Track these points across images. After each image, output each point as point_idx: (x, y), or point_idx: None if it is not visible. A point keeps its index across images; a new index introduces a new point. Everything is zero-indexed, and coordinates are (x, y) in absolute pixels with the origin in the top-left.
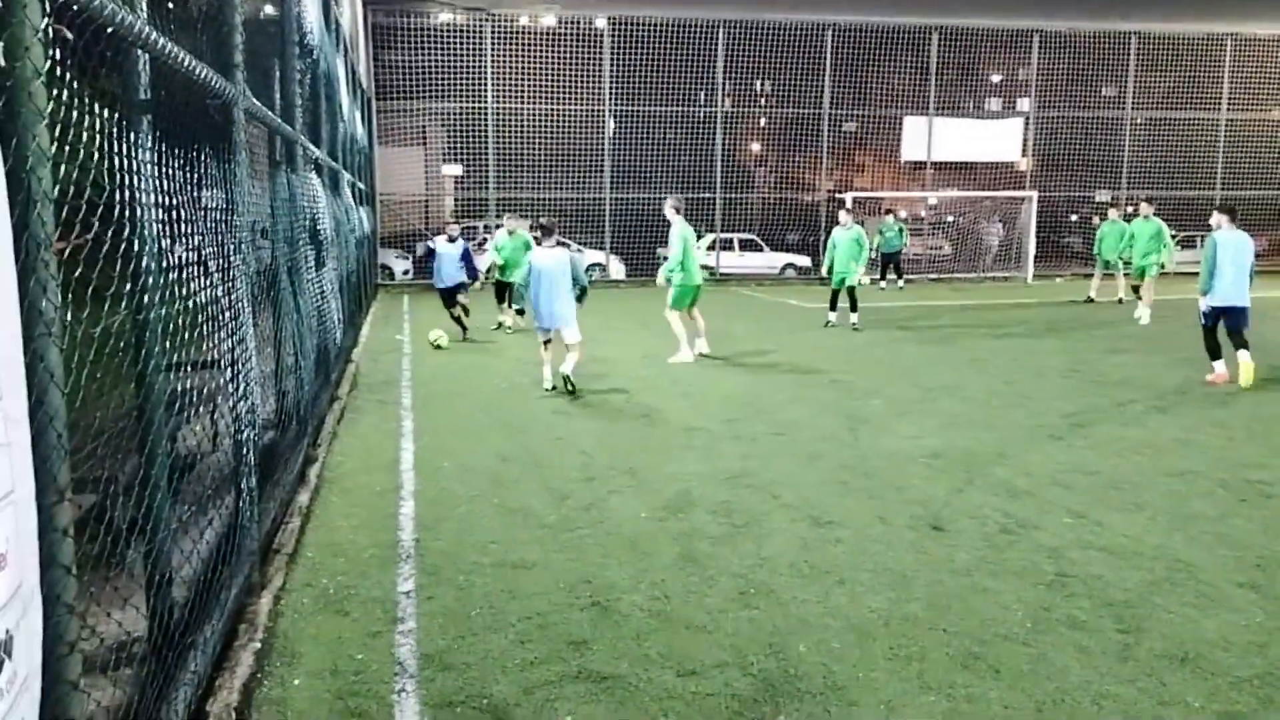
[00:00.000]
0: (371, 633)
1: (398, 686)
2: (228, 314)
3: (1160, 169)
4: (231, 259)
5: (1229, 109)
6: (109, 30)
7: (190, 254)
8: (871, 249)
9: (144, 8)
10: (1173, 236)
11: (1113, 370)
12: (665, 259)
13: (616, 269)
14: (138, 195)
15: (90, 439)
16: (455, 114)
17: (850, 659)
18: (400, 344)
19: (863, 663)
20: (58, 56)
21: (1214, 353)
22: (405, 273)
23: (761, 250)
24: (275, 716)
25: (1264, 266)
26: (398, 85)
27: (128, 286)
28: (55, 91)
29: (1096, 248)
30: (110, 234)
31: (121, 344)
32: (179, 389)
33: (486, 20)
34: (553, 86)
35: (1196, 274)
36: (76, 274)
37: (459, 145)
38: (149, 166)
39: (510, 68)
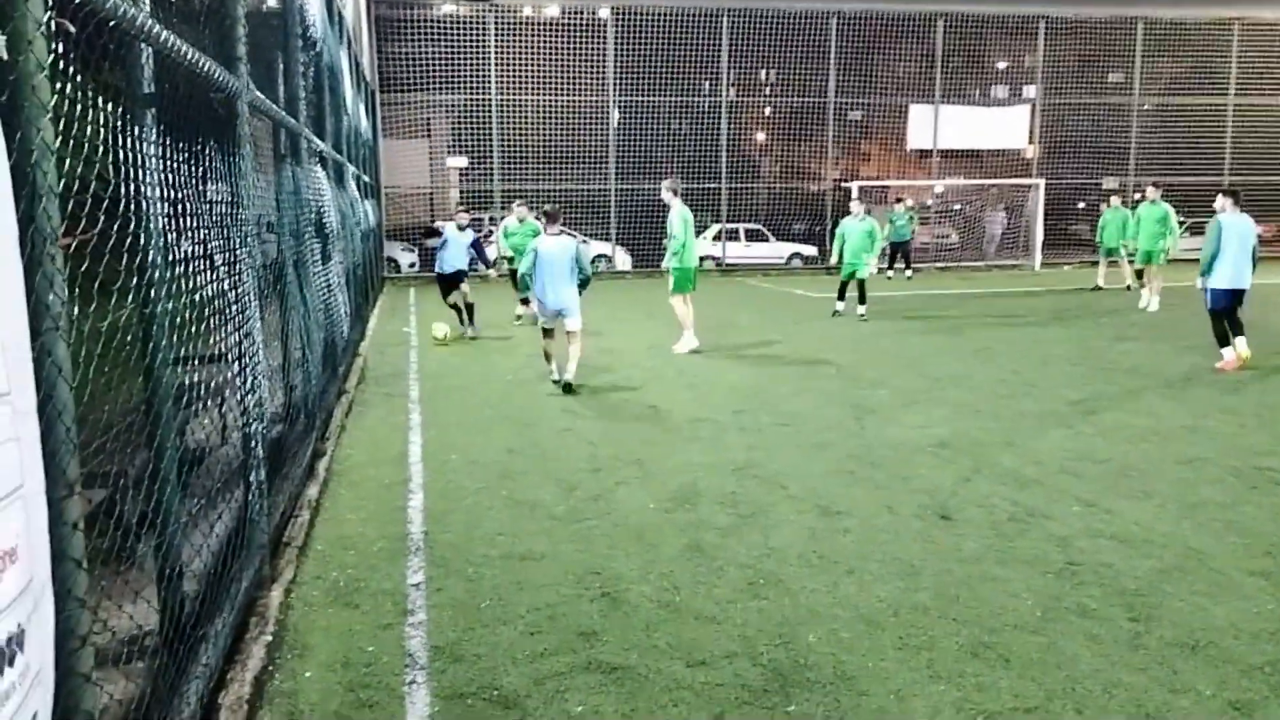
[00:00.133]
0: (382, 625)
1: (408, 678)
2: (234, 307)
3: (1168, 155)
4: (238, 252)
5: (1237, 94)
6: (112, 24)
7: (196, 248)
8: (883, 238)
9: (147, 1)
10: (1181, 222)
11: (1121, 358)
12: (672, 244)
13: (622, 260)
14: (143, 189)
15: (99, 433)
16: (459, 105)
17: (860, 649)
18: (407, 337)
19: (872, 652)
20: (61, 50)
21: (1224, 339)
22: (411, 265)
23: (767, 240)
24: (287, 709)
25: (1274, 252)
26: (401, 77)
27: (134, 281)
28: (59, 86)
29: (1099, 235)
30: (116, 228)
31: (129, 338)
32: (187, 383)
33: (490, 11)
34: (557, 77)
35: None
36: (83, 269)
37: (463, 137)
38: (154, 160)
39: (514, 58)
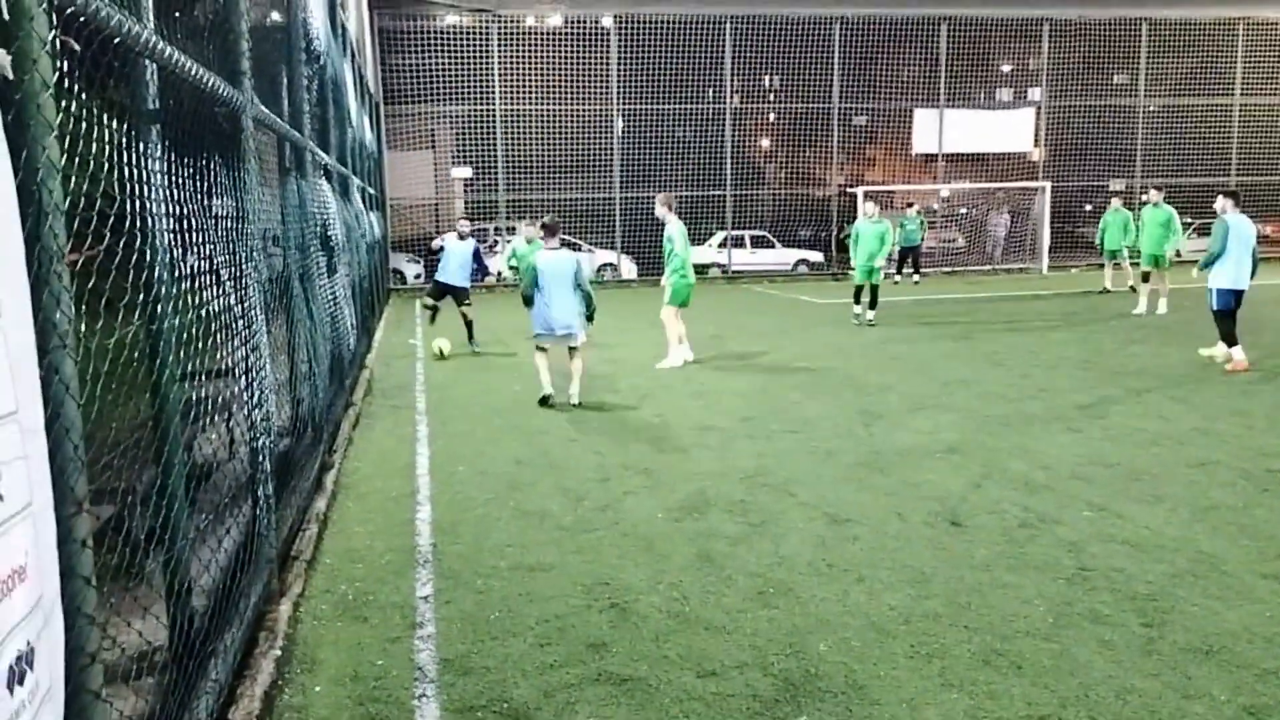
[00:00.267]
0: (391, 638)
1: (418, 691)
2: (241, 322)
3: (1174, 156)
4: (243, 267)
5: (1243, 94)
6: (116, 41)
7: (202, 263)
8: (893, 242)
9: (150, 18)
10: (1187, 223)
11: (1129, 361)
12: (673, 259)
13: (628, 269)
14: (148, 205)
15: (107, 450)
16: (464, 116)
17: (871, 657)
18: (413, 349)
19: (883, 661)
20: (66, 68)
21: (1231, 338)
22: (417, 276)
23: (773, 247)
24: None
25: (1275, 253)
26: (405, 89)
27: (141, 297)
28: (64, 103)
29: (1099, 238)
30: (122, 245)
31: (136, 354)
32: (194, 398)
33: (493, 21)
34: (560, 86)
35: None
36: (90, 286)
37: (468, 147)
38: (159, 176)
39: (517, 69)
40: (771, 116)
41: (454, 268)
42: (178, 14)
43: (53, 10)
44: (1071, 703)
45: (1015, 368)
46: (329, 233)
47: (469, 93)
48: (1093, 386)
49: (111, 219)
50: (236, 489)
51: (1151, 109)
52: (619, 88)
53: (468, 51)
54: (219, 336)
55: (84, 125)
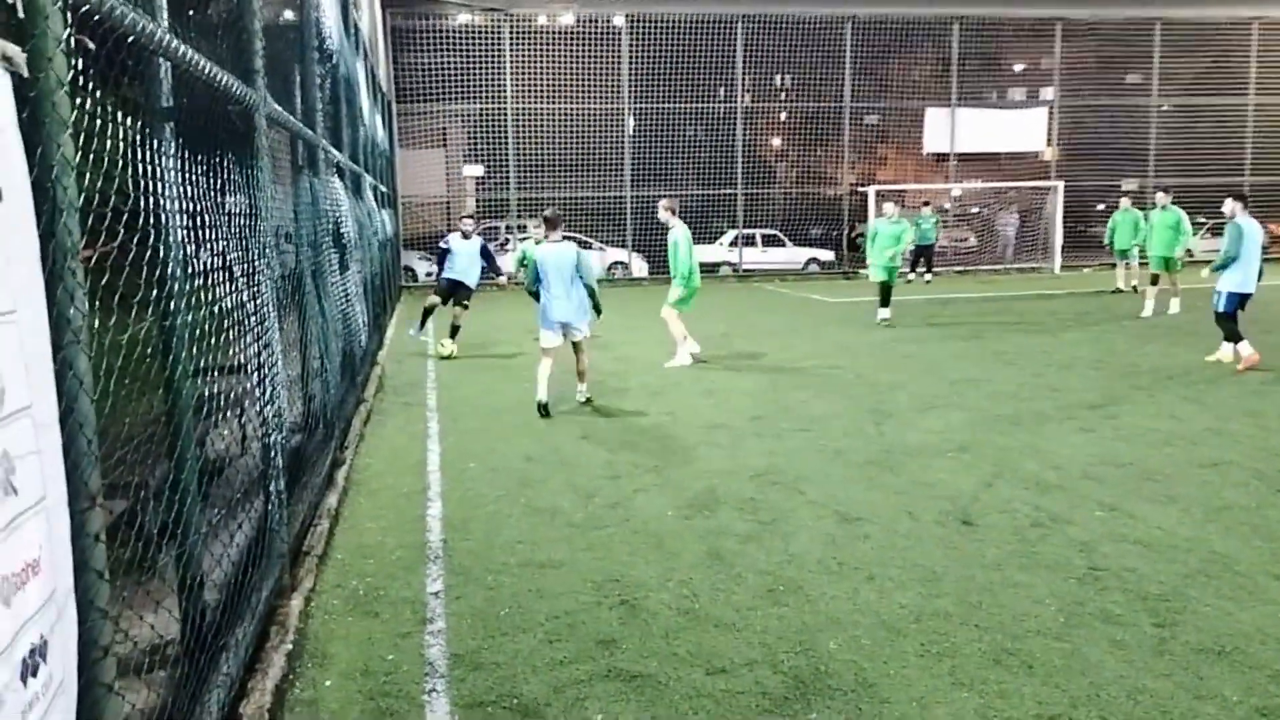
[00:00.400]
0: (401, 633)
1: (428, 687)
2: (253, 318)
3: (1188, 156)
4: (256, 264)
5: (1257, 93)
6: (130, 39)
7: (215, 259)
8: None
9: (165, 16)
10: (1200, 224)
11: (1142, 361)
12: (679, 265)
13: (639, 267)
14: (162, 202)
15: (120, 445)
16: (475, 115)
17: (881, 656)
18: (425, 346)
19: (894, 659)
20: (80, 66)
21: (1236, 336)
22: (429, 274)
23: (784, 245)
24: (307, 718)
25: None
26: (418, 87)
27: (154, 293)
28: (79, 101)
29: (1109, 238)
30: (136, 241)
31: (149, 350)
32: (206, 394)
33: (505, 20)
34: (572, 85)
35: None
36: (104, 282)
37: (479, 146)
38: (173, 174)
39: (529, 67)
40: (783, 115)
41: (461, 266)
42: (191, 12)
43: (68, 9)
44: (1082, 702)
45: (1027, 367)
46: (341, 230)
47: (481, 91)
48: (1105, 386)
49: (125, 216)
50: (248, 484)
51: (1165, 109)
52: (630, 87)
53: (479, 50)
54: (232, 333)
55: (98, 123)
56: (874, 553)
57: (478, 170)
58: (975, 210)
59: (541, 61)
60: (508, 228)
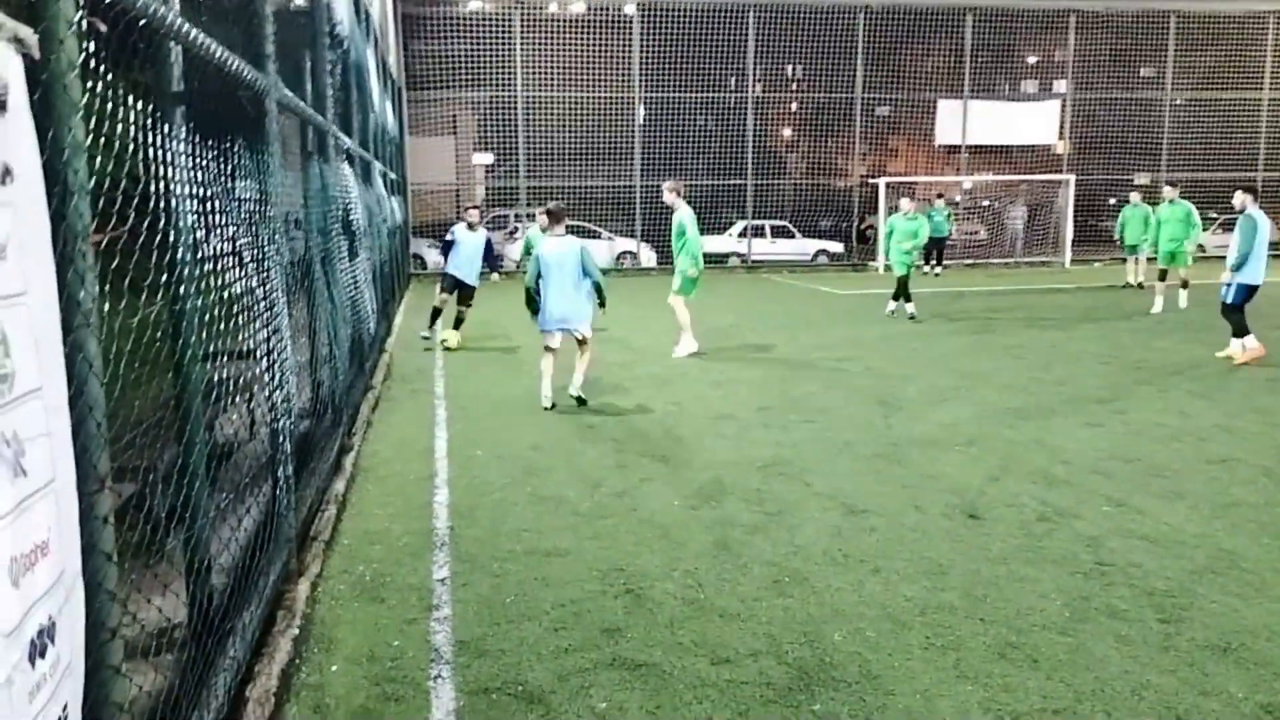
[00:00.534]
0: (407, 619)
1: (434, 673)
2: (262, 304)
3: (1201, 150)
4: (265, 249)
5: (1271, 88)
6: (142, 22)
7: (225, 245)
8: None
9: (176, 0)
10: (1213, 219)
11: (1151, 356)
12: (688, 247)
13: (647, 257)
14: (172, 187)
15: (129, 428)
16: (485, 102)
17: (886, 648)
18: (432, 333)
19: (898, 651)
20: (92, 49)
21: (1244, 329)
22: (438, 262)
23: (794, 237)
24: (313, 702)
25: None
26: (428, 74)
27: (164, 277)
28: (90, 84)
29: (1119, 233)
30: (146, 225)
31: (159, 334)
32: (216, 378)
33: (516, 8)
34: (582, 74)
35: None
36: (114, 265)
37: (489, 134)
38: (183, 158)
39: (540, 56)
40: (794, 106)
41: (464, 259)
42: None
43: None
44: (1087, 697)
45: (1036, 361)
46: (350, 217)
47: (491, 79)
48: (1113, 381)
49: (136, 200)
50: (257, 469)
51: (1178, 102)
52: (640, 76)
53: (490, 38)
54: (241, 318)
55: (109, 106)
56: (880, 545)
57: (487, 158)
58: (985, 203)
59: (552, 50)
60: (516, 216)
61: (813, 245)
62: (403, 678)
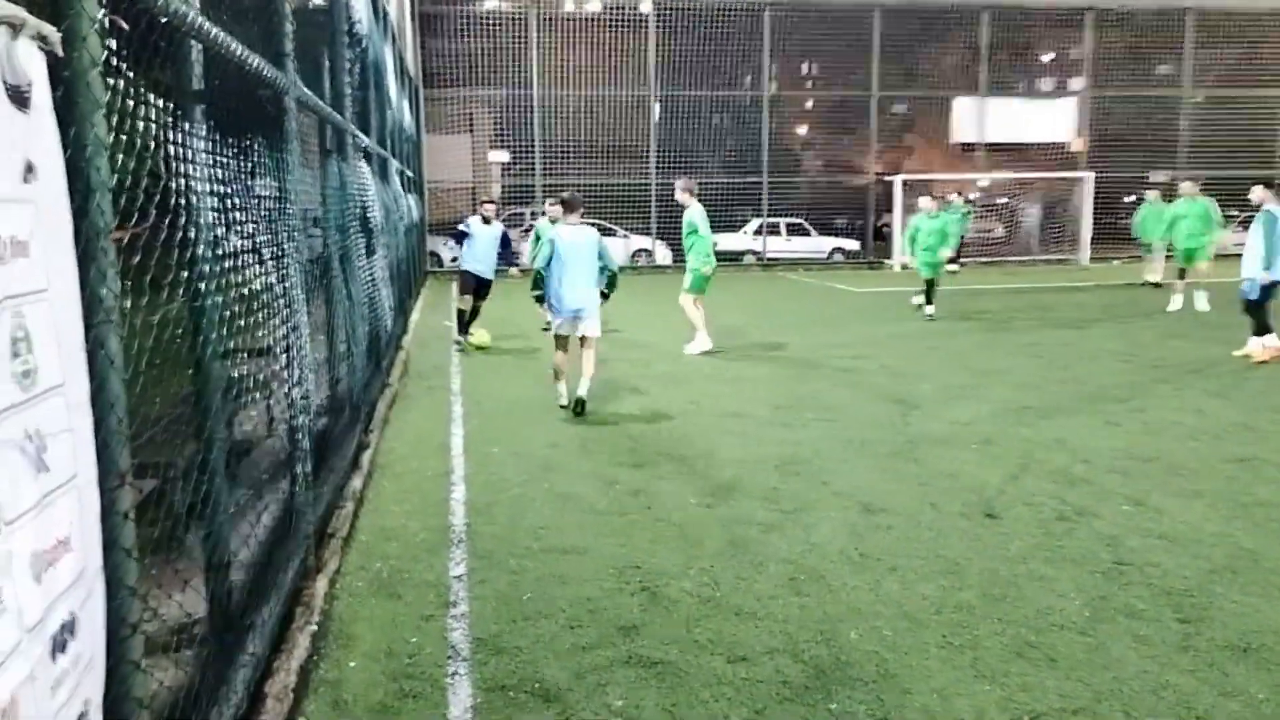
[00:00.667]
0: (425, 616)
1: (451, 669)
2: (281, 301)
3: (1219, 148)
4: (284, 247)
5: None
6: (163, 20)
7: (244, 242)
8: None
9: None
10: (1231, 216)
11: (1170, 354)
12: (699, 245)
13: (663, 254)
14: (193, 184)
15: (149, 425)
16: (502, 100)
17: (903, 647)
18: (449, 330)
19: (915, 650)
20: (114, 47)
21: (1266, 327)
22: (454, 259)
23: (809, 234)
24: (332, 698)
25: None
26: (445, 72)
27: (184, 274)
28: (112, 82)
29: (1137, 230)
30: (167, 223)
31: (179, 331)
32: (235, 375)
33: (532, 6)
34: (598, 72)
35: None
36: (135, 262)
37: (505, 132)
38: (203, 156)
39: (556, 53)
40: (809, 104)
41: (480, 253)
42: None
43: None
44: (1106, 697)
45: (1053, 359)
46: (368, 214)
47: (507, 77)
48: (1131, 380)
49: (157, 197)
50: (275, 466)
51: (1197, 100)
52: (656, 73)
53: (507, 36)
54: (260, 315)
55: (131, 104)
56: (896, 544)
57: (503, 156)
58: (1001, 201)
59: (568, 47)
60: (532, 214)
61: (828, 243)
62: (420, 674)
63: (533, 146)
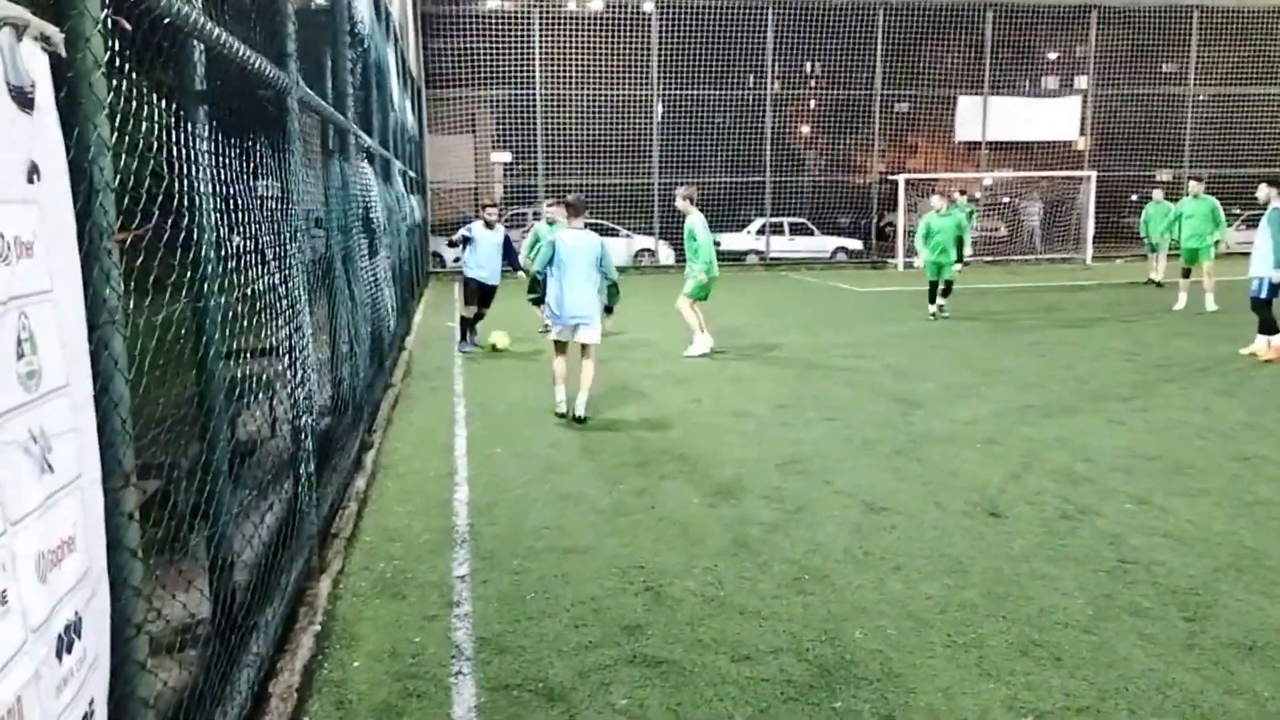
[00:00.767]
0: (428, 616)
1: (455, 669)
2: (284, 302)
3: (1224, 147)
4: (287, 247)
5: None
6: (166, 21)
7: (247, 243)
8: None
9: None
10: (1237, 215)
11: (1175, 353)
12: (700, 253)
13: (666, 254)
14: (196, 185)
15: (153, 425)
16: (504, 100)
17: (907, 646)
18: (452, 331)
19: (920, 649)
20: (117, 48)
21: (1275, 327)
22: (456, 260)
23: (812, 234)
24: (336, 698)
25: None
26: (447, 72)
27: (187, 275)
28: (115, 82)
29: (1142, 229)
30: (170, 224)
31: (182, 332)
32: (238, 376)
33: (534, 5)
34: (601, 71)
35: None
36: (138, 263)
37: (508, 132)
38: (206, 156)
39: (558, 53)
40: (812, 103)
41: (484, 259)
42: None
43: None
44: (1111, 695)
45: (1057, 358)
46: (370, 215)
47: (510, 77)
48: (1136, 378)
49: (160, 198)
50: (279, 466)
51: (1201, 98)
52: (659, 73)
53: (509, 36)
54: (263, 316)
55: (134, 104)
56: (900, 543)
57: (506, 156)
58: (1005, 200)
59: (571, 47)
60: (535, 214)
61: (831, 242)
62: (424, 674)
63: (535, 146)
